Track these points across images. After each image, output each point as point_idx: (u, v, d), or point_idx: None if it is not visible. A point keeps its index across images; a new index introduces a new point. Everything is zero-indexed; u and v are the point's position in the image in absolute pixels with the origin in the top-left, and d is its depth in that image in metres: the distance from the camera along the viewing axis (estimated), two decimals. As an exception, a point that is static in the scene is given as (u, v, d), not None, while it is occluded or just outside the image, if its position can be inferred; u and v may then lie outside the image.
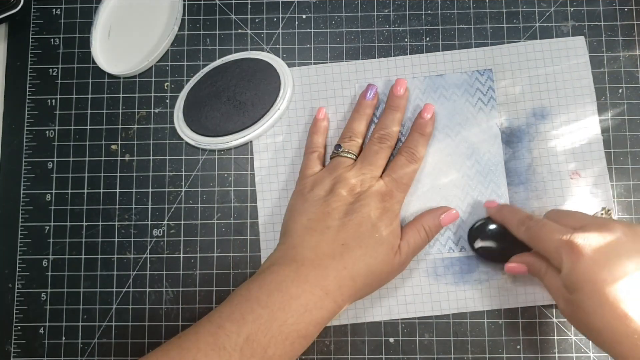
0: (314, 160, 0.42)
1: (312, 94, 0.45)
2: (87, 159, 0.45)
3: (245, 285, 0.36)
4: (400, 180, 0.39)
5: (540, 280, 0.37)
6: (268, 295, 0.34)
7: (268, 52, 0.45)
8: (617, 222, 0.34)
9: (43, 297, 0.44)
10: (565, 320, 0.42)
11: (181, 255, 0.44)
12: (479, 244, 0.41)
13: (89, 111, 0.45)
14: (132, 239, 0.44)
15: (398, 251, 0.38)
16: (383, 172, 0.40)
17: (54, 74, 0.46)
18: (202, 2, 0.46)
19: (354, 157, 0.41)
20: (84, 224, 0.44)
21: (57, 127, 0.45)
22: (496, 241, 0.41)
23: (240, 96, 0.44)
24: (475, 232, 0.41)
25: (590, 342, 0.41)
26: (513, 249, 0.39)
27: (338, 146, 0.41)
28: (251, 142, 0.44)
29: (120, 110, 0.45)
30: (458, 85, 0.44)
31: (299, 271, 0.35)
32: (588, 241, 0.33)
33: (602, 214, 0.42)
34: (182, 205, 0.44)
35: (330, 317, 0.36)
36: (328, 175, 0.40)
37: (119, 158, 0.45)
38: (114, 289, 0.43)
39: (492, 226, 0.41)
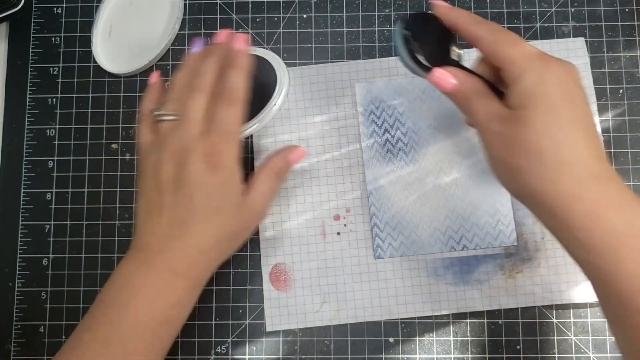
0: (144, 129, 0.37)
1: (312, 94, 0.45)
2: (87, 157, 0.45)
3: (103, 287, 0.34)
4: (223, 131, 0.34)
5: (465, 104, 0.32)
6: (115, 293, 0.33)
7: (264, 48, 0.45)
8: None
9: (43, 296, 0.44)
10: (565, 320, 0.42)
11: (181, 255, 0.44)
12: (410, 41, 0.33)
13: (89, 110, 0.45)
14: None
15: (247, 205, 0.35)
16: None
17: (55, 72, 0.46)
18: (203, 1, 0.46)
19: (175, 117, 0.35)
20: (84, 222, 0.44)
21: (57, 126, 0.45)
22: (428, 44, 0.33)
23: None
24: (410, 22, 0.33)
25: (590, 342, 0.41)
26: (444, 60, 0.33)
27: (155, 109, 0.36)
28: (251, 141, 0.44)
29: (121, 110, 0.45)
30: None
31: (144, 260, 0.33)
32: (561, 63, 0.30)
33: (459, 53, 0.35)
34: (183, 205, 0.44)
35: (191, 294, 0.35)
36: (155, 146, 0.35)
37: (119, 157, 0.45)
38: (114, 288, 0.43)
39: (430, 25, 0.34)
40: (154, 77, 0.39)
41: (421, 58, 0.33)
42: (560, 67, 0.30)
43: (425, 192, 0.43)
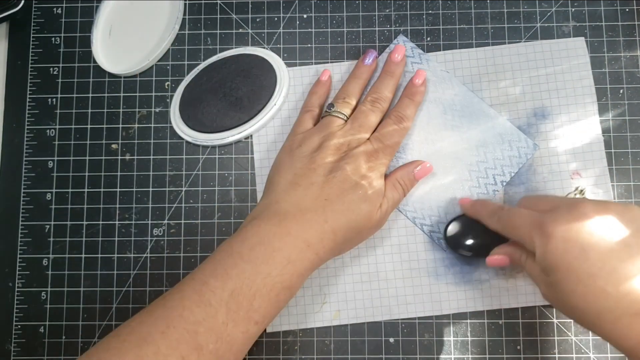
0: (307, 119, 0.42)
1: (312, 94, 0.45)
2: (87, 158, 0.45)
3: (228, 241, 0.36)
4: (386, 142, 0.40)
5: (523, 268, 0.37)
6: (250, 249, 0.34)
7: (264, 47, 0.45)
8: (586, 200, 0.34)
9: (43, 296, 0.44)
10: (565, 320, 0.42)
11: (181, 255, 0.44)
12: (456, 241, 0.41)
13: (89, 110, 0.45)
14: (133, 238, 0.44)
15: (379, 209, 0.38)
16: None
17: (55, 72, 0.46)
18: (203, 1, 0.46)
19: (345, 117, 0.41)
20: (84, 223, 0.44)
21: (57, 126, 0.45)
22: (473, 237, 0.41)
23: (236, 92, 0.44)
24: (452, 230, 0.41)
25: (590, 342, 0.41)
26: (491, 243, 0.39)
27: (331, 105, 0.41)
28: (252, 141, 0.44)
29: (121, 110, 0.45)
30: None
31: (281, 225, 0.36)
32: (558, 221, 0.32)
33: (575, 194, 0.42)
34: (183, 205, 0.44)
35: (312, 269, 0.36)
36: (317, 133, 0.40)
37: (119, 157, 0.45)
38: (114, 288, 0.43)
39: (467, 223, 0.41)
40: (325, 76, 0.44)
41: (465, 252, 0.41)
42: (558, 226, 0.32)
43: (439, 166, 0.43)
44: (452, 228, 0.41)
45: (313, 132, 0.40)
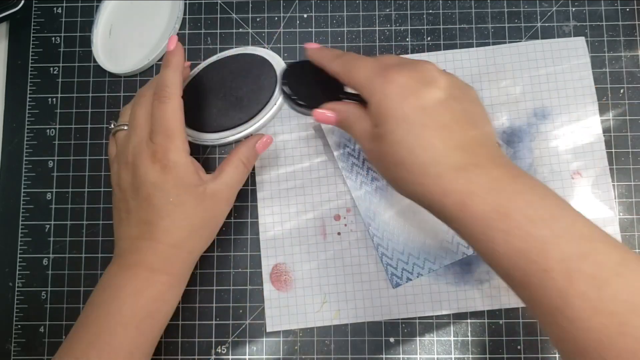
0: (110, 144, 0.40)
1: (313, 93, 0.45)
2: (87, 157, 0.45)
3: (92, 292, 0.36)
4: (164, 129, 0.35)
5: (349, 129, 0.34)
6: (100, 294, 0.35)
7: (265, 47, 0.45)
8: (432, 62, 0.33)
9: (43, 296, 0.44)
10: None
11: (181, 255, 0.44)
12: (288, 85, 0.36)
13: (89, 110, 0.45)
14: (133, 238, 0.44)
15: (209, 194, 0.36)
16: None
17: (55, 72, 0.46)
18: (203, 1, 0.46)
19: (126, 126, 0.38)
20: (85, 222, 0.44)
21: (57, 126, 0.45)
22: (308, 86, 0.37)
23: (236, 92, 0.44)
24: (288, 73, 0.37)
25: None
26: (325, 97, 0.36)
27: (109, 123, 0.40)
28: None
29: (121, 109, 0.45)
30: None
31: (122, 262, 0.36)
32: (402, 72, 0.31)
33: None
34: (183, 204, 0.44)
35: (172, 288, 0.36)
36: (115, 159, 0.38)
37: (119, 157, 0.45)
38: (114, 288, 0.43)
39: (306, 70, 0.37)
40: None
41: (301, 102, 0.36)
42: (401, 74, 0.31)
43: (420, 208, 0.42)
44: (290, 76, 0.37)
45: (113, 160, 0.38)
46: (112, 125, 0.39)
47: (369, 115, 0.32)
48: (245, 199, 0.44)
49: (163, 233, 0.35)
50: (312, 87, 0.37)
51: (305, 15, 0.46)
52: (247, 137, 0.44)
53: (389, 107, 0.30)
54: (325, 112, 0.35)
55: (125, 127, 0.38)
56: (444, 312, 0.42)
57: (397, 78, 0.31)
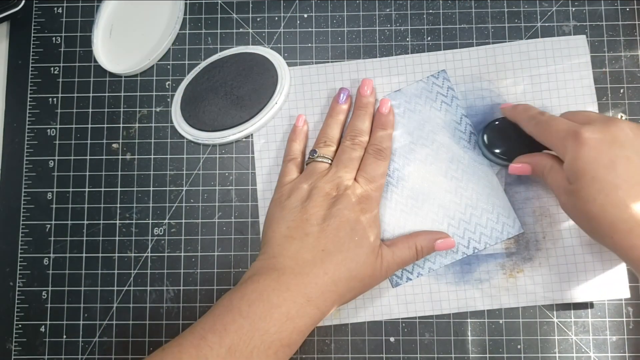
0: (291, 167, 0.42)
1: (313, 94, 0.45)
2: (88, 157, 0.45)
3: (227, 295, 0.36)
4: (373, 180, 0.40)
5: (543, 179, 0.37)
6: (249, 305, 0.34)
7: (265, 47, 0.45)
8: (624, 120, 0.35)
9: (44, 296, 0.44)
10: (566, 320, 0.42)
11: (182, 254, 0.44)
12: (489, 141, 0.41)
13: (90, 110, 0.45)
14: (133, 238, 0.44)
15: (380, 255, 0.38)
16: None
17: (56, 72, 0.46)
18: (203, 1, 0.46)
19: (330, 161, 0.41)
20: (85, 222, 0.44)
21: (58, 126, 0.45)
22: (506, 141, 0.41)
23: (237, 91, 0.44)
24: (488, 130, 0.41)
25: (591, 342, 0.41)
26: (522, 150, 0.40)
27: (313, 151, 0.41)
28: (252, 140, 0.45)
29: (122, 109, 0.45)
30: (418, 95, 0.44)
31: (279, 280, 0.35)
32: (593, 131, 0.34)
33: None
34: (183, 204, 0.44)
35: (314, 324, 0.36)
36: (304, 182, 0.40)
37: (120, 157, 0.45)
38: (115, 288, 0.43)
39: (505, 126, 0.41)
40: (300, 121, 0.44)
41: (502, 156, 0.41)
42: (593, 136, 0.33)
43: (420, 207, 0.42)
44: (490, 132, 0.41)
45: (300, 181, 0.40)
46: (316, 155, 0.41)
47: (563, 170, 0.35)
48: (246, 198, 0.44)
49: (333, 266, 0.36)
50: (509, 141, 0.41)
51: (305, 15, 0.46)
52: (247, 136, 0.44)
53: (582, 167, 0.33)
54: (521, 165, 0.39)
55: (328, 161, 0.41)
56: (444, 312, 0.42)
57: (588, 141, 0.33)
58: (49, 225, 0.44)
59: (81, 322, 0.43)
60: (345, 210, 0.37)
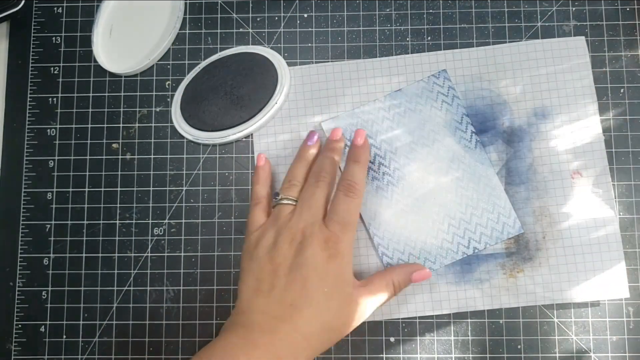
0: (258, 212, 0.40)
1: (313, 93, 0.45)
2: (88, 157, 0.45)
3: (198, 354, 0.34)
4: (343, 221, 0.37)
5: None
6: None
7: (265, 47, 0.45)
8: None
9: (44, 296, 0.44)
10: (566, 320, 0.42)
11: (182, 254, 0.44)
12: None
13: (90, 110, 0.45)
14: (133, 238, 0.44)
15: (354, 301, 0.36)
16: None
17: (56, 72, 0.46)
18: (203, 0, 0.46)
19: (294, 202, 0.39)
20: (85, 222, 0.44)
21: (58, 126, 0.45)
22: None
23: (237, 90, 0.44)
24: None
25: (591, 342, 0.41)
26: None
27: (276, 194, 0.39)
28: (251, 140, 0.45)
29: (122, 109, 0.45)
30: (419, 94, 0.44)
31: (247, 337, 0.34)
32: None
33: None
34: (183, 204, 0.44)
35: None
36: (270, 228, 0.38)
37: (120, 157, 0.45)
38: (115, 288, 0.43)
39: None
40: (261, 160, 0.42)
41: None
42: None
43: (421, 207, 0.42)
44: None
45: (266, 228, 0.38)
46: (279, 197, 0.39)
47: None
48: (246, 198, 0.44)
49: (303, 321, 0.34)
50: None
51: (305, 15, 0.46)
52: (247, 136, 0.44)
53: None
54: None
55: (294, 203, 0.38)
56: (444, 312, 0.42)
57: None
58: (48, 225, 0.44)
59: (81, 322, 0.43)
60: (311, 259, 0.35)
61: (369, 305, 0.37)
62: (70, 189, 0.45)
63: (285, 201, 0.39)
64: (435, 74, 0.44)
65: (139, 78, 0.46)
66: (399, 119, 0.43)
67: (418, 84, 0.44)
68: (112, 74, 0.46)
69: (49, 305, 0.43)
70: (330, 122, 0.44)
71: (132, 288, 0.43)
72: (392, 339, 0.42)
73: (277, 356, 0.33)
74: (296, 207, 0.38)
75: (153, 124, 0.45)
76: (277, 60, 0.44)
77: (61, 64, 0.46)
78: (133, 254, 0.44)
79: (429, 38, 0.45)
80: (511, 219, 0.42)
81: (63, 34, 0.46)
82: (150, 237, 0.44)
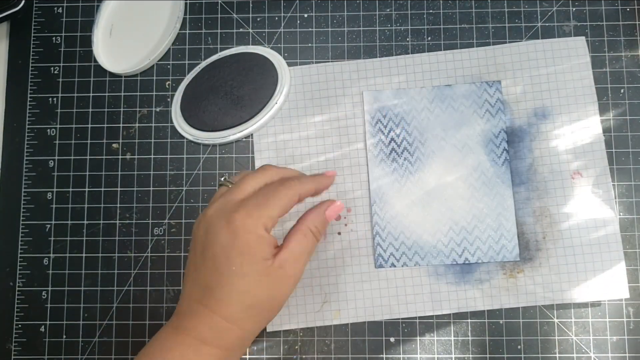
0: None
1: (313, 94, 0.45)
2: (88, 157, 0.45)
3: (141, 351, 0.34)
4: (263, 197, 0.33)
5: None
6: (149, 355, 0.33)
7: (265, 47, 0.45)
8: None
9: (44, 296, 0.44)
10: (566, 320, 0.42)
11: (182, 254, 0.44)
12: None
13: (90, 110, 0.45)
14: (133, 238, 0.44)
15: (274, 268, 0.33)
16: None
17: (56, 72, 0.46)
18: (203, 1, 0.46)
19: (230, 185, 0.36)
20: (85, 222, 0.44)
21: (58, 126, 0.45)
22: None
23: (237, 90, 0.44)
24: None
25: (591, 342, 0.41)
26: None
27: (225, 177, 0.37)
28: (251, 140, 0.45)
29: (122, 109, 0.45)
30: (466, 96, 0.44)
31: (176, 324, 0.33)
32: None
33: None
34: (183, 204, 0.44)
35: None
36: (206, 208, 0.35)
37: (120, 157, 0.45)
38: (115, 288, 0.43)
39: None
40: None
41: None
42: None
43: (429, 202, 0.43)
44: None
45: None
46: (224, 179, 0.36)
47: None
48: (246, 198, 0.44)
49: (218, 303, 0.32)
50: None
51: (305, 15, 0.46)
52: (247, 136, 0.44)
53: None
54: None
55: (228, 185, 0.35)
56: (444, 312, 0.42)
57: None
58: (48, 225, 0.44)
59: (81, 322, 0.43)
60: (216, 235, 0.33)
61: (294, 265, 0.34)
62: (70, 189, 0.45)
63: (224, 182, 0.36)
64: (490, 82, 0.44)
65: (139, 78, 0.46)
66: (438, 113, 0.43)
67: (469, 86, 0.44)
68: (112, 74, 0.46)
69: (49, 305, 0.43)
70: (373, 94, 0.44)
71: (132, 288, 0.43)
72: (392, 339, 0.42)
73: (202, 340, 0.32)
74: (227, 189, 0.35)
75: (153, 124, 0.45)
76: (277, 60, 0.44)
77: (61, 64, 0.46)
78: (133, 254, 0.44)
79: (429, 38, 0.45)
80: (511, 244, 0.42)
81: (63, 34, 0.46)
82: (150, 237, 0.44)
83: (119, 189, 0.44)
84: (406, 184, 0.43)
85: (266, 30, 0.46)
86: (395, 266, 0.42)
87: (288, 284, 0.34)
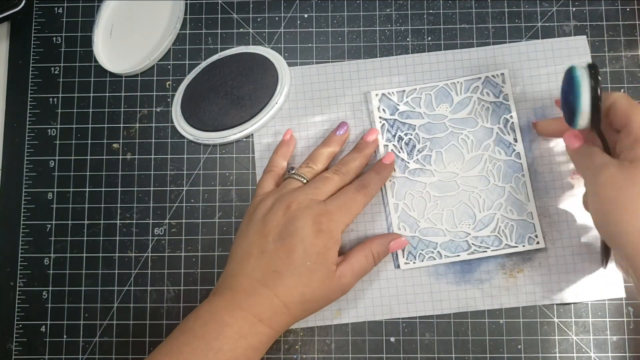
0: (268, 179, 0.41)
1: (313, 94, 0.45)
2: (88, 157, 0.45)
3: (186, 317, 0.36)
4: (343, 205, 0.38)
5: (588, 158, 0.35)
6: (202, 326, 0.35)
7: (265, 47, 0.45)
8: None
9: (44, 296, 0.44)
10: (566, 320, 0.42)
11: (182, 254, 0.44)
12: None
13: (90, 110, 0.45)
14: (134, 238, 0.44)
15: (336, 276, 0.37)
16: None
17: (56, 72, 0.46)
18: (204, 1, 0.46)
19: (305, 180, 0.40)
20: (86, 222, 0.44)
21: (58, 126, 0.45)
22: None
23: (237, 91, 0.44)
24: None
25: (591, 342, 0.41)
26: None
27: (291, 168, 0.42)
28: (252, 140, 0.45)
29: (122, 109, 0.45)
30: (471, 90, 0.44)
31: (232, 299, 0.35)
32: None
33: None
34: (184, 204, 0.44)
35: (269, 342, 0.36)
36: (273, 195, 0.39)
37: (120, 157, 0.45)
38: (115, 288, 0.43)
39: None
40: (287, 135, 0.43)
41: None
42: None
43: (442, 198, 0.42)
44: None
45: (269, 194, 0.39)
46: (292, 171, 0.41)
47: (611, 155, 0.34)
48: (246, 199, 0.44)
49: (284, 289, 0.35)
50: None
51: (305, 15, 0.46)
52: (248, 136, 0.44)
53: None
54: (575, 135, 0.37)
55: (303, 180, 0.40)
56: (445, 312, 0.42)
57: None
58: (49, 225, 0.44)
59: (81, 322, 0.43)
60: (301, 230, 0.36)
61: (349, 280, 0.38)
62: (71, 189, 0.45)
63: (296, 177, 0.40)
64: (495, 73, 0.44)
65: (139, 78, 0.46)
66: (444, 110, 0.43)
67: (477, 80, 0.44)
68: (112, 74, 0.46)
69: (49, 305, 0.43)
70: (379, 93, 0.44)
71: (132, 288, 0.43)
72: (392, 339, 0.42)
73: (259, 317, 0.35)
74: (304, 184, 0.39)
75: (153, 124, 0.45)
76: (278, 60, 0.45)
77: (62, 64, 0.46)
78: (133, 254, 0.44)
79: (429, 38, 0.45)
80: (534, 233, 0.42)
81: (63, 34, 0.46)
82: (150, 237, 0.44)
83: (119, 189, 0.45)
84: (420, 178, 0.43)
85: (266, 30, 0.46)
86: (415, 262, 0.42)
87: (339, 292, 0.38)
